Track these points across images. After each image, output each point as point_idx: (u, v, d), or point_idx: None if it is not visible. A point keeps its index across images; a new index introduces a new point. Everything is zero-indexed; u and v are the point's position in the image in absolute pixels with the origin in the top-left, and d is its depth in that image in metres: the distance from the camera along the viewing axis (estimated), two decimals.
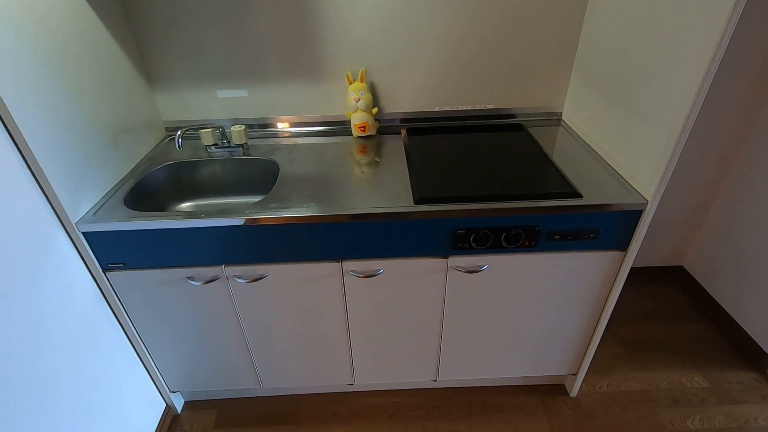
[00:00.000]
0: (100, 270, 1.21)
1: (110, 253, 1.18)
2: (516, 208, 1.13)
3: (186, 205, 1.49)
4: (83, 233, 1.13)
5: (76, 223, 1.11)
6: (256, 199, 1.48)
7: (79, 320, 1.16)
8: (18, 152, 0.98)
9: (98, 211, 1.17)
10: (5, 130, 0.95)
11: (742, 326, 1.80)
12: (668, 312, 1.99)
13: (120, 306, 1.29)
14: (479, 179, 1.24)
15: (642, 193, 1.15)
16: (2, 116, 0.93)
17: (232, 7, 1.37)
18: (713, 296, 1.96)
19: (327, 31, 1.42)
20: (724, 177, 1.88)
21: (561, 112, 1.61)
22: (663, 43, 1.05)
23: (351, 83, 1.47)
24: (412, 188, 1.21)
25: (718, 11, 0.89)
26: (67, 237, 1.13)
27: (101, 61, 1.24)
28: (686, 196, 1.94)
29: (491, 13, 1.40)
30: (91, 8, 1.20)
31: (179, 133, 1.27)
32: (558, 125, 1.59)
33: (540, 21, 1.42)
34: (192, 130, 1.39)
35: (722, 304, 1.91)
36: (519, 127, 1.56)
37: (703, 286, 2.03)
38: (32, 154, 0.99)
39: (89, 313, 1.20)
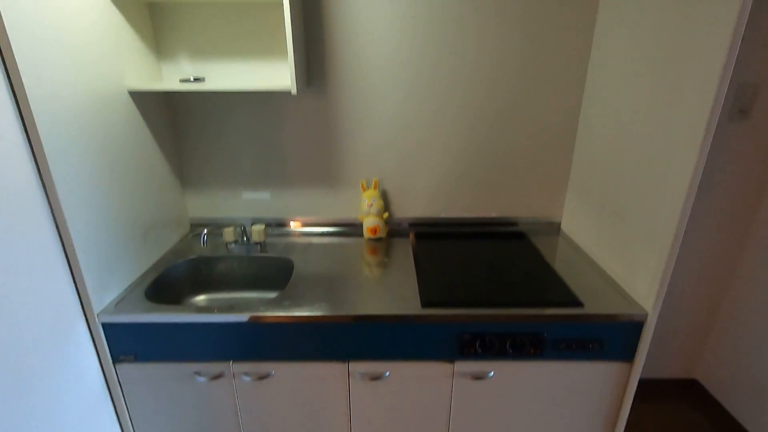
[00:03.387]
0: (110, 361, 1.23)
1: (124, 344, 1.21)
2: (520, 314, 1.17)
3: (203, 298, 1.54)
4: (102, 323, 1.18)
5: (98, 314, 1.16)
6: (271, 294, 1.54)
7: (82, 411, 1.15)
8: (60, 243, 1.07)
9: (120, 302, 1.22)
10: (53, 222, 1.05)
11: None
12: (684, 430, 1.89)
13: (122, 400, 1.28)
14: (485, 285, 1.30)
15: (642, 304, 1.19)
16: (53, 208, 1.04)
17: (264, 122, 1.57)
18: (731, 413, 1.87)
19: (346, 144, 1.60)
20: (728, 284, 1.91)
21: (560, 222, 1.72)
22: (649, 161, 1.18)
23: (365, 190, 1.61)
24: (419, 291, 1.27)
25: (696, 131, 1.02)
26: (86, 326, 1.17)
27: (145, 164, 1.39)
28: (692, 304, 1.96)
29: (492, 129, 1.59)
30: (143, 120, 1.39)
31: (205, 231, 1.38)
32: (558, 234, 1.69)
33: (537, 137, 1.60)
34: (216, 227, 1.49)
35: (741, 422, 1.82)
36: (521, 236, 1.66)
37: (719, 401, 1.94)
38: (72, 245, 1.08)
39: (92, 405, 1.19)
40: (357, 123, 1.57)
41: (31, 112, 0.96)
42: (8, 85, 0.93)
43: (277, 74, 1.51)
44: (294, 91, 1.27)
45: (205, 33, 1.46)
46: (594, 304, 1.21)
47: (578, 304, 1.20)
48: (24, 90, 0.94)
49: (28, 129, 0.97)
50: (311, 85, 1.52)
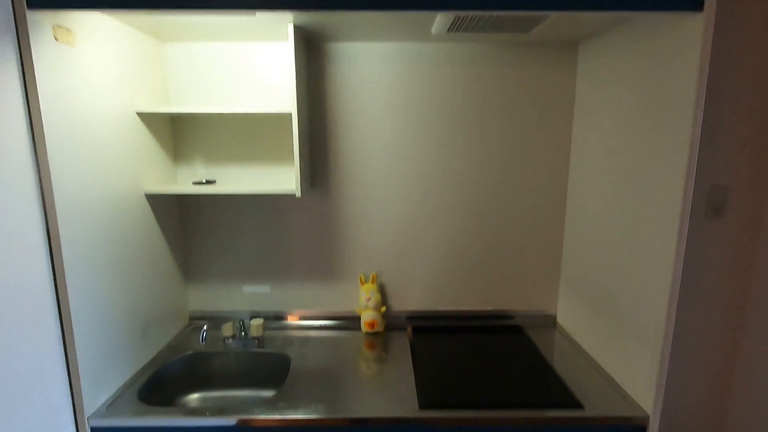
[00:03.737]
0: None
1: None
2: (521, 417, 1.15)
3: (197, 397, 1.51)
4: (92, 428, 1.15)
5: (88, 418, 1.14)
6: (268, 392, 1.50)
7: None
8: (62, 342, 1.09)
9: (112, 404, 1.20)
10: (59, 323, 1.08)
11: None
12: None
13: None
14: (483, 384, 1.29)
15: (642, 405, 1.18)
16: (62, 310, 1.08)
17: (268, 220, 1.66)
18: None
19: (345, 240, 1.68)
20: (730, 381, 1.87)
21: (555, 315, 1.74)
22: (632, 257, 1.24)
23: (363, 284, 1.66)
24: (417, 391, 1.25)
25: (671, 230, 1.09)
26: (75, 429, 1.14)
27: (152, 261, 1.45)
28: (697, 402, 1.89)
29: (483, 224, 1.68)
30: (155, 220, 1.47)
31: (205, 327, 1.40)
32: (554, 328, 1.70)
33: (526, 231, 1.68)
34: (215, 321, 1.51)
35: None
36: (518, 330, 1.67)
37: None
38: (74, 346, 1.09)
39: None
40: (356, 221, 1.67)
41: (56, 217, 1.04)
42: (39, 187, 1.02)
43: (283, 178, 1.64)
44: (298, 194, 1.38)
45: (218, 140, 1.61)
46: (594, 405, 1.19)
47: (578, 405, 1.18)
48: (52, 195, 1.03)
49: (51, 234, 1.05)
50: (314, 187, 1.64)
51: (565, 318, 1.68)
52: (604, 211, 1.39)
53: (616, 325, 1.31)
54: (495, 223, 1.68)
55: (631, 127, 1.25)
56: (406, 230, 1.68)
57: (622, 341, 1.28)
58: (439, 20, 1.21)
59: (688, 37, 1.02)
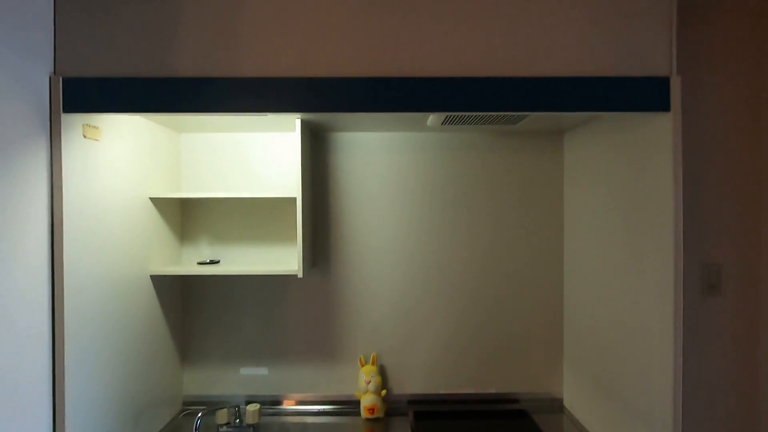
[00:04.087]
0: None
1: None
2: None
3: None
4: None
5: None
6: None
7: None
8: (52, 429, 1.06)
9: None
10: (51, 411, 1.05)
11: None
12: None
13: None
14: None
15: None
16: (56, 399, 1.05)
17: (269, 300, 1.67)
18: None
19: (345, 320, 1.68)
20: None
21: (562, 399, 1.68)
22: (631, 338, 1.24)
23: (363, 366, 1.63)
24: None
25: (666, 308, 1.10)
26: None
27: (151, 344, 1.44)
28: None
29: (486, 306, 1.68)
30: (158, 300, 1.49)
31: (200, 415, 1.35)
32: (561, 412, 1.64)
33: (528, 313, 1.68)
34: (209, 407, 1.46)
35: None
36: (523, 414, 1.61)
37: None
38: None
39: None
40: (357, 302, 1.68)
41: (63, 298, 1.06)
42: (50, 266, 1.06)
43: (285, 257, 1.68)
44: (300, 275, 1.41)
45: (225, 221, 1.68)
46: None
47: None
48: (62, 274, 1.06)
49: (55, 314, 1.06)
50: (315, 266, 1.68)
51: (571, 401, 1.63)
52: (600, 291, 1.41)
53: (623, 409, 1.27)
54: (497, 303, 1.69)
55: (619, 212, 1.31)
56: (407, 310, 1.68)
57: (630, 425, 1.24)
58: (433, 116, 1.33)
59: (659, 131, 1.12)
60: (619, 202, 1.31)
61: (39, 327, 1.03)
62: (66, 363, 1.06)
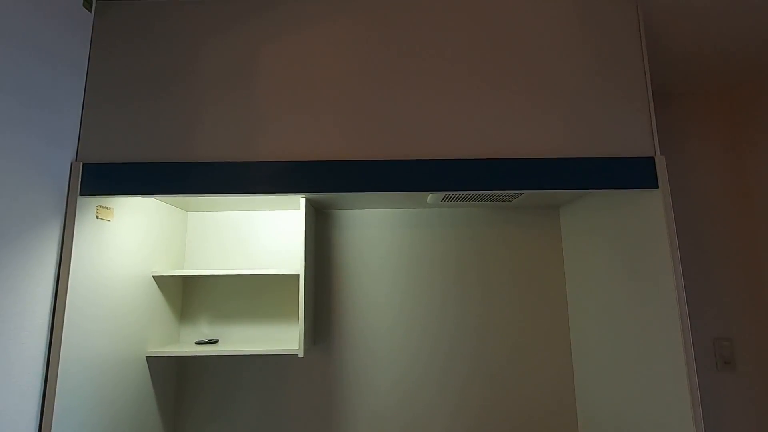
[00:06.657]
0: None
1: None
2: None
3: None
4: None
5: None
6: None
7: None
8: None
9: None
10: None
11: None
12: None
13: None
14: None
15: None
16: None
17: (267, 382, 1.60)
18: None
19: (346, 403, 1.59)
20: None
21: None
22: (652, 425, 1.17)
23: None
24: None
25: (681, 385, 1.05)
26: None
27: (139, 427, 1.36)
28: None
29: (493, 386, 1.61)
30: (151, 382, 1.43)
31: None
32: None
33: (539, 391, 1.60)
34: None
35: None
36: None
37: None
38: None
39: None
40: (358, 381, 1.61)
41: (56, 378, 1.02)
42: (48, 342, 1.04)
43: (285, 336, 1.64)
44: (301, 354, 1.37)
45: (225, 298, 1.67)
46: None
47: None
48: (59, 351, 1.04)
49: (47, 394, 1.02)
50: (316, 344, 1.63)
51: None
52: (613, 371, 1.36)
53: None
54: (505, 383, 1.62)
55: (621, 287, 1.31)
56: (409, 393, 1.61)
57: None
58: (433, 194, 1.38)
59: (651, 207, 1.17)
60: (621, 278, 1.31)
61: (29, 412, 0.98)
62: None
